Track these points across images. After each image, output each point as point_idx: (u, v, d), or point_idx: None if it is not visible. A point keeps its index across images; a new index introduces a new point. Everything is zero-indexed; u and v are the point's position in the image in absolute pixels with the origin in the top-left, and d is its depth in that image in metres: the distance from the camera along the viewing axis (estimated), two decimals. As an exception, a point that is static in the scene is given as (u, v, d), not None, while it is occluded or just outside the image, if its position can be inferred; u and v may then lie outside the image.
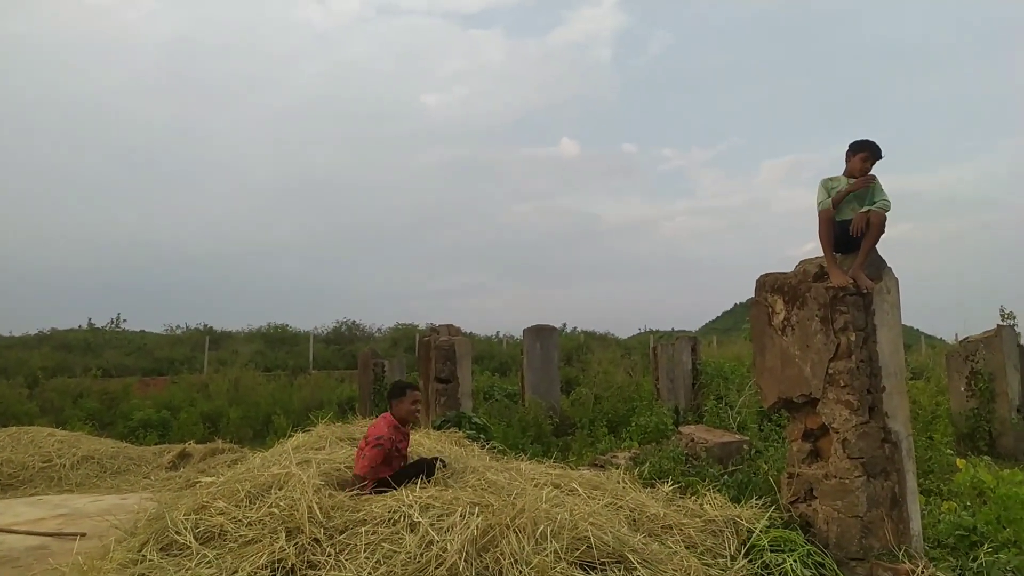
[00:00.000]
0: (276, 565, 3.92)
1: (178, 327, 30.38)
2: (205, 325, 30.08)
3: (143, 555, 4.23)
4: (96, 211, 64.48)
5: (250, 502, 4.63)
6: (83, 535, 5.99)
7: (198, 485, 5.42)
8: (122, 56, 70.50)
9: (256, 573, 3.84)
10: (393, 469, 5.05)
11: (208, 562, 4.01)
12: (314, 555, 3.98)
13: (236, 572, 3.85)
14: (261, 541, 4.11)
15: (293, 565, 3.87)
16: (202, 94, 73.87)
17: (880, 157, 5.13)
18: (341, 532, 4.23)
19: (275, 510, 4.36)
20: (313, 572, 3.85)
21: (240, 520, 4.39)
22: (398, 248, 72.07)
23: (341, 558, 3.92)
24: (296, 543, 4.05)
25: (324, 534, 4.16)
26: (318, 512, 4.28)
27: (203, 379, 20.54)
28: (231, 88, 76.05)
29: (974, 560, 4.53)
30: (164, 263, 58.82)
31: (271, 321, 30.96)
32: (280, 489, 4.65)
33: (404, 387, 5.46)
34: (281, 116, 76.55)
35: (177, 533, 4.31)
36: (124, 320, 29.95)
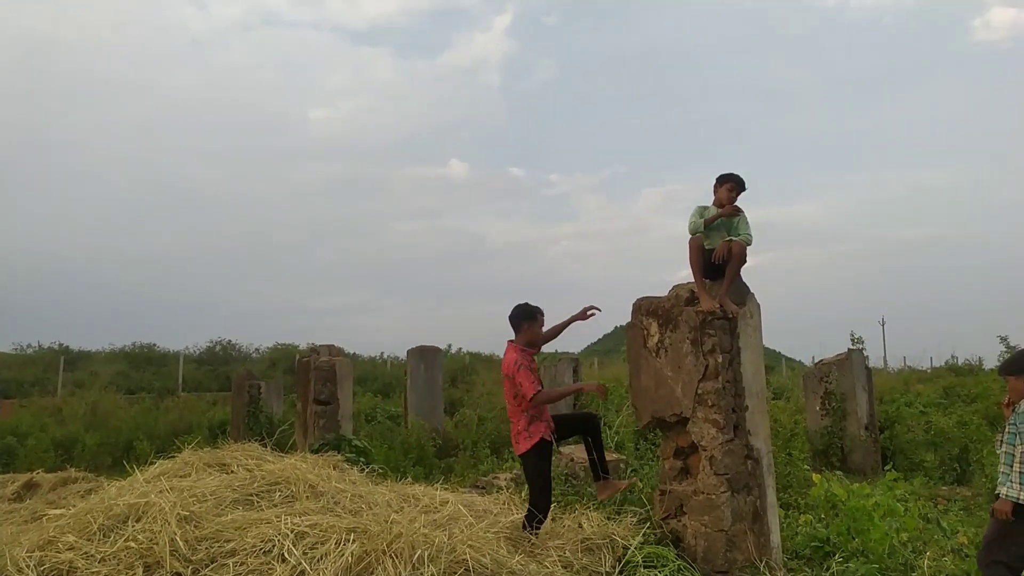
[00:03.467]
0: (132, 603, 3.66)
1: (29, 346, 28.12)
2: (60, 344, 27.95)
3: (-24, 598, 3.84)
4: (-65, 217, 58.50)
5: (104, 535, 4.32)
6: (-96, 578, 5.34)
7: (45, 518, 4.99)
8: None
9: (108, 612, 3.57)
10: (540, 383, 5.20)
11: (53, 603, 3.69)
12: (175, 590, 3.74)
13: (85, 612, 3.56)
14: (116, 578, 3.83)
15: (150, 602, 3.62)
16: (61, 94, 68.77)
17: (744, 189, 5.47)
18: (207, 565, 4.00)
19: (132, 544, 4.08)
20: (173, 609, 3.61)
21: (92, 555, 4.09)
22: (279, 265, 69.49)
23: (205, 592, 3.71)
24: (155, 578, 3.79)
25: (187, 568, 3.92)
26: (181, 545, 4.04)
27: (56, 402, 18.93)
28: (94, 90, 71.22)
29: (827, 569, 4.84)
30: (14, 276, 53.93)
31: (136, 340, 29.20)
32: (138, 521, 4.35)
33: (533, 311, 5.38)
34: (151, 121, 72.28)
35: (19, 572, 3.94)
36: (-35, 338, 27.33)
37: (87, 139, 68.69)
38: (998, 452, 4.18)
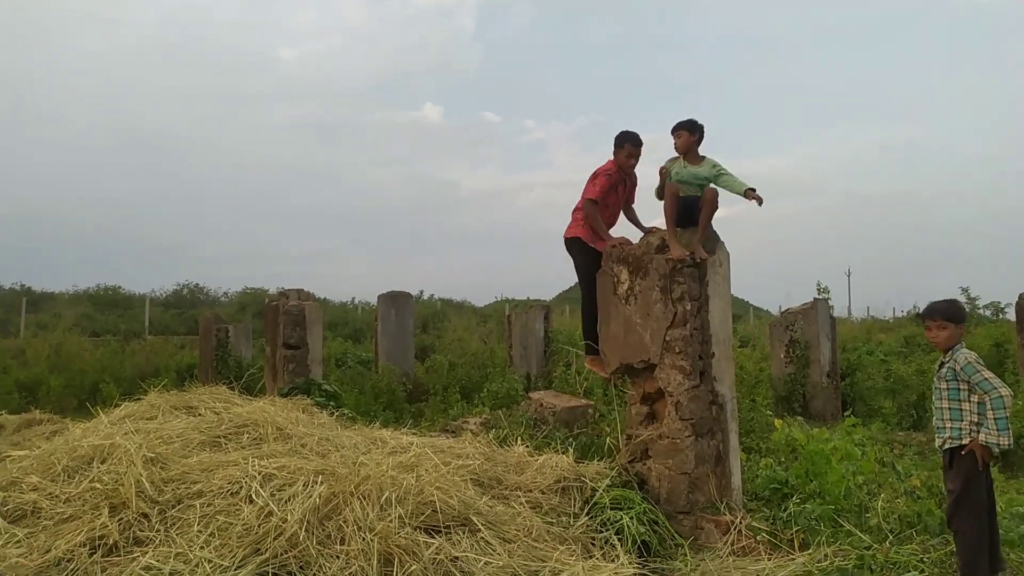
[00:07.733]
0: (97, 542, 3.65)
1: (-11, 286, 27.48)
2: (22, 285, 27.39)
3: (-63, 539, 3.80)
4: None
5: (68, 477, 4.30)
6: None
7: (8, 459, 4.94)
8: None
9: (73, 551, 3.56)
10: (619, 200, 5.96)
11: (17, 541, 3.68)
12: (141, 531, 3.74)
13: (50, 551, 3.56)
14: (81, 518, 3.82)
15: (116, 542, 3.62)
16: (21, 32, 65.62)
17: (697, 130, 5.51)
18: (174, 506, 4.00)
19: (97, 484, 4.06)
20: (139, 549, 3.62)
21: (57, 496, 4.08)
22: (248, 209, 68.32)
23: (172, 533, 3.72)
24: (121, 519, 3.79)
25: (154, 509, 3.92)
26: (147, 486, 4.02)
27: (19, 344, 18.61)
28: (56, 27, 68.12)
29: (785, 510, 5.00)
30: (-28, 216, 52.30)
31: (101, 282, 28.76)
32: (103, 462, 4.33)
33: (623, 139, 5.83)
34: (115, 60, 69.66)
35: (-20, 512, 3.90)
36: (-76, 278, 26.63)
37: (48, 78, 65.98)
38: (935, 402, 4.20)
